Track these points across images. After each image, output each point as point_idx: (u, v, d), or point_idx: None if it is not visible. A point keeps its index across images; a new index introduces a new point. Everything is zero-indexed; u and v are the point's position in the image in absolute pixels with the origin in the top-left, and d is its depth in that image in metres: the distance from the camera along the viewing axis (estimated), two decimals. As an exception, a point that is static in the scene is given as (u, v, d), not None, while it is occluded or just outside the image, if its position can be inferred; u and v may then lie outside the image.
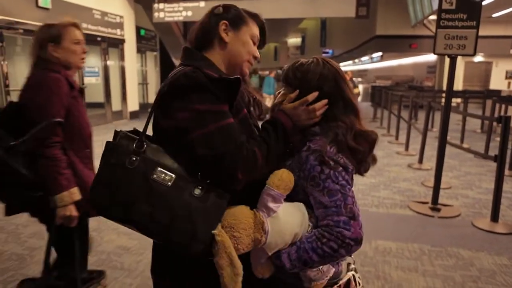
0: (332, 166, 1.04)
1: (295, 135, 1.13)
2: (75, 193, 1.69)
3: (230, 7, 1.18)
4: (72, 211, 1.68)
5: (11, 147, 1.53)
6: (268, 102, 11.25)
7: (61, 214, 1.67)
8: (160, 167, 0.99)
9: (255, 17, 1.22)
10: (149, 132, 1.10)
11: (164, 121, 1.05)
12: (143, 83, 13.38)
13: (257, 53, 1.21)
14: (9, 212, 1.79)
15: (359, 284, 1.20)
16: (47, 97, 1.64)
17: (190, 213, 0.98)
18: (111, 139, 1.04)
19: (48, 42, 1.73)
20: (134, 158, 0.99)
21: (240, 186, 1.03)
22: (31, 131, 1.56)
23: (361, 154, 1.10)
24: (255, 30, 1.21)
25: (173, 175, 1.00)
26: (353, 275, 1.19)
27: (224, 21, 1.15)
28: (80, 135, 1.79)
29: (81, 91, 1.82)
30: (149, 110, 1.09)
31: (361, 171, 1.15)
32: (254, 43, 1.21)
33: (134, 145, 1.01)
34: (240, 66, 1.19)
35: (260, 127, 1.18)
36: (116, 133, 1.04)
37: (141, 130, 1.07)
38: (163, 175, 0.99)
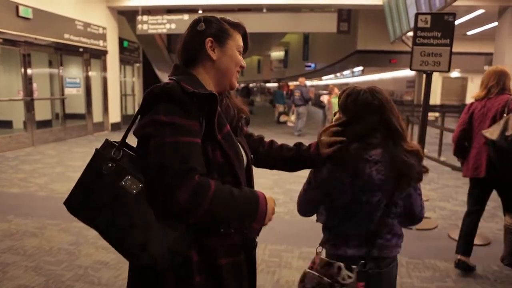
0: None
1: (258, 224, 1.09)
2: None
3: (211, 20, 1.16)
4: None
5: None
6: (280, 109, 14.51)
7: None
8: (130, 175, 1.01)
9: (237, 27, 1.20)
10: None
11: (136, 129, 1.07)
12: (126, 94, 13.27)
13: (244, 62, 1.21)
14: None
15: None
16: None
17: (146, 224, 0.99)
18: (91, 151, 1.07)
19: None
20: (110, 165, 1.01)
21: (175, 210, 0.97)
22: None
23: None
24: (239, 41, 1.20)
25: (141, 184, 1.01)
26: None
27: (210, 38, 1.13)
28: None
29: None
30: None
31: None
32: (240, 53, 1.20)
33: (112, 152, 1.04)
34: (230, 80, 1.19)
35: (246, 140, 1.19)
36: (105, 141, 1.08)
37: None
38: (131, 182, 1.00)
